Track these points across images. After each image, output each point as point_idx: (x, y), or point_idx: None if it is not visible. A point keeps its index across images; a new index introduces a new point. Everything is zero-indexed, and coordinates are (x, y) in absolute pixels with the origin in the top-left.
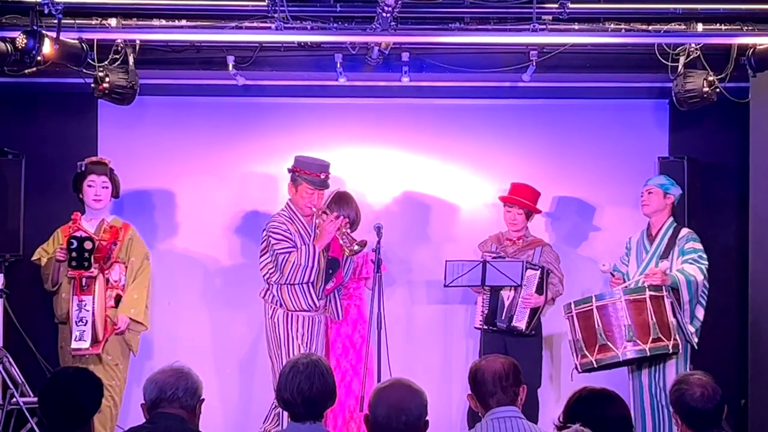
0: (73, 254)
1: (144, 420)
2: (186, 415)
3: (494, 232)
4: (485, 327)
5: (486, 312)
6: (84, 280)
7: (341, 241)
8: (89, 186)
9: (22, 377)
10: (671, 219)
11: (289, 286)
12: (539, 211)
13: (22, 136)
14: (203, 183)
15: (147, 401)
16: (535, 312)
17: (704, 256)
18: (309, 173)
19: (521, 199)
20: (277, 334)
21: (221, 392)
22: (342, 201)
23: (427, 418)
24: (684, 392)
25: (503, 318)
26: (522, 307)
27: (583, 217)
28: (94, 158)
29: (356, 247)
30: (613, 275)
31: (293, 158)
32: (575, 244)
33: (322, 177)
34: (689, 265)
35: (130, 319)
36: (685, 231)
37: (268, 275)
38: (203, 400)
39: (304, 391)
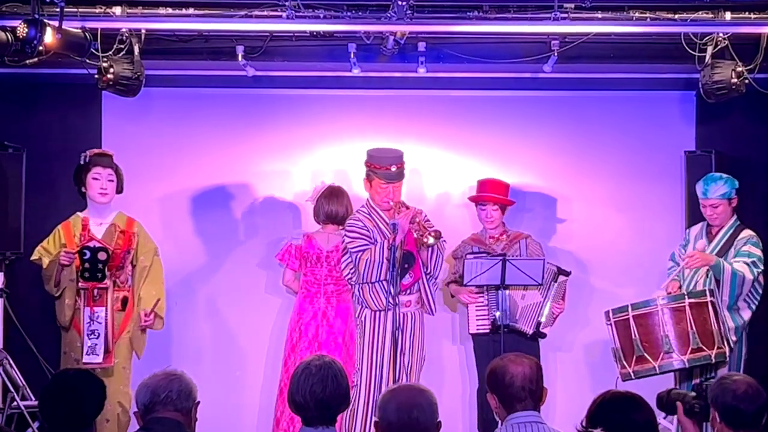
0: (86, 265)
1: (138, 428)
2: (182, 419)
3: (479, 230)
4: (493, 329)
5: (494, 316)
6: (96, 290)
7: (415, 235)
8: (94, 179)
9: (22, 380)
10: (734, 218)
11: (369, 285)
12: (512, 203)
13: (23, 129)
14: (211, 177)
15: (140, 407)
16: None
17: (760, 264)
18: (380, 167)
19: (494, 194)
20: (363, 335)
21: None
22: (332, 196)
23: (439, 419)
24: (727, 387)
25: (527, 322)
26: (553, 314)
27: (607, 213)
28: (97, 150)
29: (430, 240)
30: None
31: (365, 153)
32: (598, 242)
33: (394, 169)
34: (740, 264)
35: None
36: (746, 233)
37: (349, 275)
38: (198, 402)
39: (317, 393)
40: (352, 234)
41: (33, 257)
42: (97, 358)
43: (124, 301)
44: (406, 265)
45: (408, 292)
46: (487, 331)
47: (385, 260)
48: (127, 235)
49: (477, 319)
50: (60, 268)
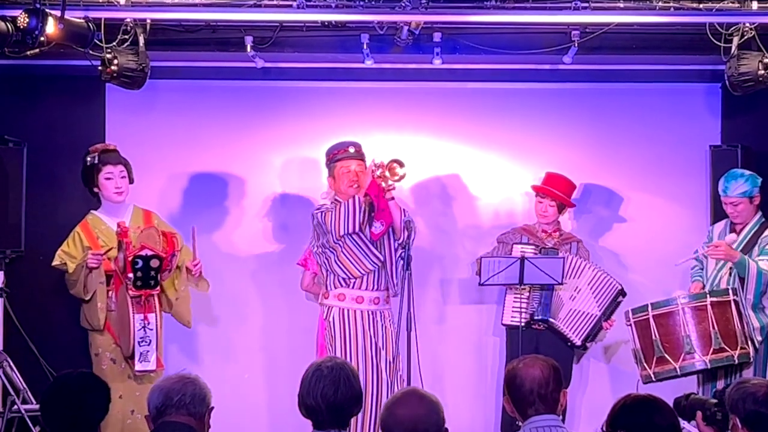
0: (138, 274)
1: None
2: (195, 423)
3: (532, 223)
4: (529, 323)
5: (535, 308)
6: (147, 297)
7: (384, 182)
8: (108, 179)
9: (23, 383)
10: (758, 215)
11: (347, 254)
12: (573, 205)
13: (24, 122)
14: (218, 172)
15: (152, 410)
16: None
17: None
18: (336, 152)
19: (555, 190)
20: (332, 337)
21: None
22: None
23: (446, 425)
24: (746, 391)
25: (576, 332)
26: (604, 331)
27: (628, 209)
28: (101, 146)
29: (400, 171)
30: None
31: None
32: (618, 238)
33: (352, 150)
34: (765, 263)
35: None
36: None
37: (317, 248)
38: (212, 408)
39: (329, 396)
40: (316, 210)
41: (54, 263)
42: (149, 365)
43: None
44: (372, 214)
45: (374, 287)
46: (519, 324)
47: (354, 208)
48: (169, 237)
49: (512, 311)
50: (87, 271)
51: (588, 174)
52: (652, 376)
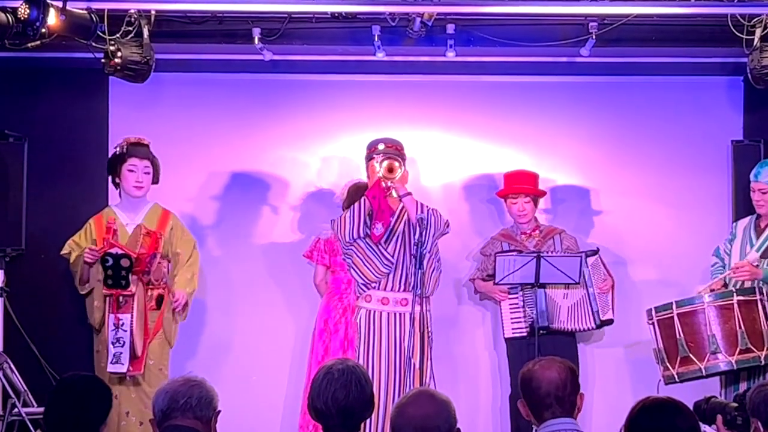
0: (109, 272)
1: None
2: (201, 427)
3: (509, 226)
4: (531, 332)
5: (532, 318)
6: (121, 297)
7: (384, 182)
8: (130, 171)
9: (24, 385)
10: None
11: (361, 258)
12: (544, 194)
13: (25, 117)
14: (225, 168)
15: (157, 414)
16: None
17: None
18: (369, 151)
19: (525, 186)
20: (359, 338)
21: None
22: (359, 194)
23: (458, 426)
24: None
25: (585, 320)
26: (602, 294)
27: (648, 206)
28: (133, 139)
29: (397, 167)
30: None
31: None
32: (639, 237)
33: (381, 147)
34: None
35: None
36: None
37: (343, 257)
38: (219, 412)
39: (339, 400)
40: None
41: (63, 251)
42: (122, 368)
43: (159, 300)
44: (369, 215)
45: (401, 288)
46: (524, 334)
47: (357, 213)
48: (154, 237)
49: (512, 322)
50: (86, 265)
51: (605, 170)
52: (676, 376)
